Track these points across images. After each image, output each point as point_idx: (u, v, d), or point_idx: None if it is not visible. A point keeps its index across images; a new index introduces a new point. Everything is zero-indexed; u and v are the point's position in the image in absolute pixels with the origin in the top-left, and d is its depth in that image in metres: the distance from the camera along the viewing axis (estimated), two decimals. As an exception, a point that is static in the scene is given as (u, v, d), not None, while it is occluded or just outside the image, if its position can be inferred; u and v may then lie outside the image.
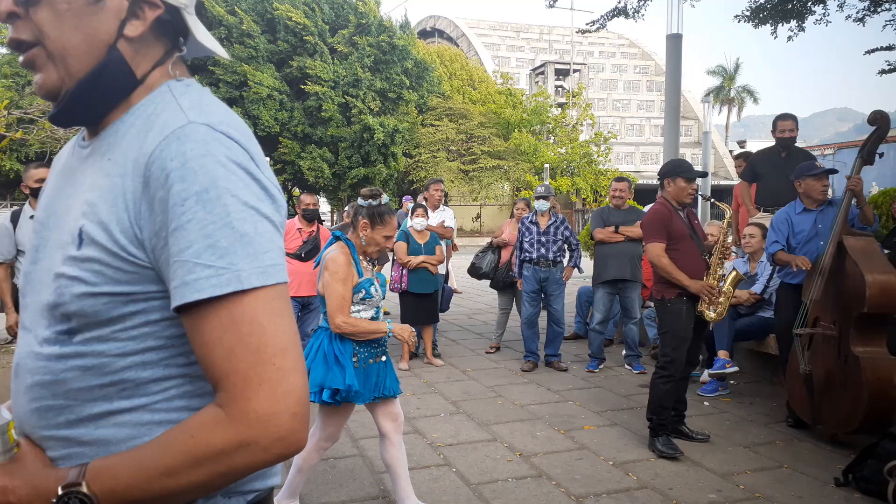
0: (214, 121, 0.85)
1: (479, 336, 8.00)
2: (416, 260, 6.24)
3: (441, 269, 6.68)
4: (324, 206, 34.22)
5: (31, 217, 4.37)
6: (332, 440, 3.19)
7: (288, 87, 24.51)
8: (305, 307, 5.61)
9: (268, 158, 20.56)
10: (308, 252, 5.54)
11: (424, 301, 6.35)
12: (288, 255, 5.57)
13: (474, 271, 7.16)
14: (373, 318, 3.11)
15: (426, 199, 7.13)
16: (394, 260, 6.56)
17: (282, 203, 0.89)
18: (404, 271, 6.27)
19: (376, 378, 3.10)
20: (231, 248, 0.79)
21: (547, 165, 28.92)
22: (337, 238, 3.10)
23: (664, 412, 4.16)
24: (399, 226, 7.16)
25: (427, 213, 6.50)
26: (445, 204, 8.78)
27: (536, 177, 29.57)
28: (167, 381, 0.87)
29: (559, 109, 35.28)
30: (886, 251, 5.70)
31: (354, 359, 3.00)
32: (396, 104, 26.94)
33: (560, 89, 41.68)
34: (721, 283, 4.13)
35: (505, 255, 7.02)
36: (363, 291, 3.00)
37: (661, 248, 4.16)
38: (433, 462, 3.94)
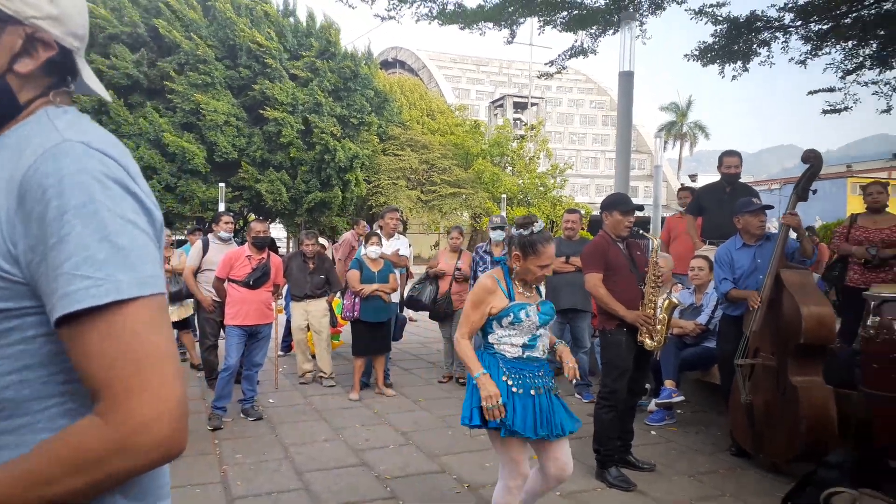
0: (90, 139, 0.87)
1: (432, 365, 7.97)
2: (368, 288, 6.21)
3: (395, 298, 6.66)
4: (281, 232, 33.82)
5: None
6: (519, 476, 3.00)
7: (246, 114, 24.32)
8: (253, 336, 5.50)
9: (224, 185, 20.23)
10: (257, 280, 5.45)
11: (377, 330, 6.31)
12: (236, 282, 5.48)
13: (413, 304, 7.03)
14: (527, 345, 3.01)
15: (381, 227, 7.12)
16: (346, 288, 6.51)
17: (158, 217, 0.93)
18: (357, 299, 6.23)
19: (538, 412, 2.95)
20: (109, 260, 0.81)
21: (504, 195, 29.25)
22: (497, 262, 3.18)
23: (609, 442, 4.19)
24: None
25: (381, 241, 6.49)
26: (402, 232, 8.80)
27: (496, 205, 29.87)
28: (48, 399, 0.88)
29: (517, 142, 35.88)
30: (829, 283, 5.93)
31: (508, 380, 2.95)
32: (358, 130, 26.97)
33: (518, 122, 42.40)
34: (657, 312, 4.21)
35: (443, 285, 6.94)
36: (511, 315, 2.96)
37: (598, 279, 4.25)
38: (379, 495, 3.89)
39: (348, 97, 26.21)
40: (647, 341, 4.20)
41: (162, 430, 0.81)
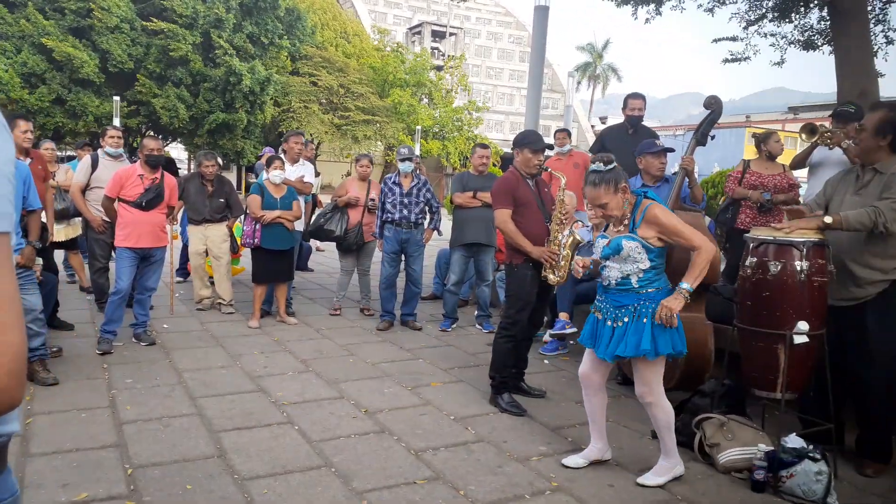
0: None
1: (336, 297, 7.91)
2: (270, 215, 6.03)
3: (299, 226, 6.51)
4: (181, 153, 32.20)
5: None
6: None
7: (144, 22, 22.54)
8: (146, 259, 5.26)
9: (119, 98, 18.85)
10: (150, 201, 5.17)
11: (278, 258, 6.17)
12: (127, 202, 5.18)
13: (324, 234, 6.73)
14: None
15: (285, 152, 6.86)
16: (247, 213, 6.29)
17: (4, 148, 0.83)
18: (257, 226, 6.04)
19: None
20: None
21: (419, 127, 28.95)
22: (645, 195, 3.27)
23: (505, 370, 4.35)
24: (256, 177, 6.86)
25: (284, 167, 6.28)
26: (314, 160, 8.54)
27: (409, 137, 29.56)
28: None
29: (436, 72, 35.33)
30: (720, 225, 6.25)
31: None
32: (266, 50, 25.66)
33: (436, 51, 41.61)
34: (561, 249, 4.32)
35: (354, 215, 6.72)
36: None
37: (506, 215, 4.32)
38: (275, 420, 3.89)
39: (258, 15, 24.78)
40: (551, 276, 4.32)
41: None
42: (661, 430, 3.29)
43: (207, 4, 22.88)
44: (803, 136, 4.83)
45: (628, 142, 6.14)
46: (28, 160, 5.05)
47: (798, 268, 3.39)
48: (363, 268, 7.01)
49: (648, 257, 3.19)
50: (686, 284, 3.08)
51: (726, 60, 10.01)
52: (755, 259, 3.55)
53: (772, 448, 3.30)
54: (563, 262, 4.33)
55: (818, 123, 4.90)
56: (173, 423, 3.77)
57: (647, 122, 6.68)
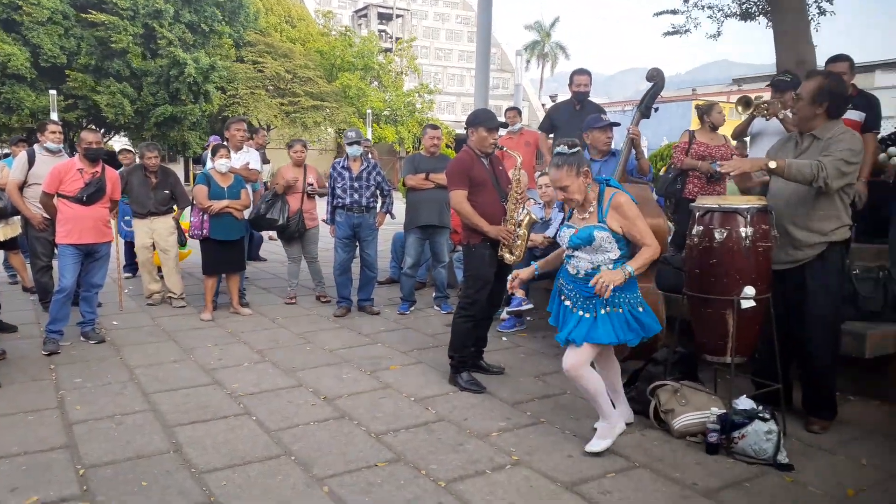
0: None
1: (289, 285, 7.82)
2: (218, 205, 5.89)
3: (247, 215, 6.38)
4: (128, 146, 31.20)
5: None
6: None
7: (75, 12, 21.66)
8: (90, 255, 5.09)
9: (55, 92, 18.14)
10: (91, 195, 4.99)
11: (229, 248, 6.05)
12: (67, 197, 4.99)
13: (265, 223, 6.53)
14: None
15: (227, 140, 6.69)
16: (193, 205, 6.14)
17: None
18: (205, 217, 5.90)
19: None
20: None
21: (370, 111, 28.67)
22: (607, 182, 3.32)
23: (465, 350, 4.37)
24: (203, 167, 6.68)
25: (230, 154, 6.14)
26: (262, 147, 8.35)
27: (361, 121, 29.24)
28: None
29: (384, 55, 34.98)
30: (669, 196, 6.35)
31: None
32: (208, 38, 24.97)
33: (383, 34, 41.18)
34: (517, 228, 4.34)
35: (293, 202, 6.59)
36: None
37: (462, 196, 4.29)
38: (231, 412, 3.83)
39: (196, 2, 24.07)
40: (507, 255, 4.34)
41: None
42: (593, 399, 3.33)
43: None
44: (739, 108, 4.93)
45: (576, 117, 6.19)
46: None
47: (743, 234, 3.47)
48: (310, 255, 6.91)
49: (618, 246, 3.22)
50: (630, 268, 3.14)
51: (667, 34, 10.12)
52: (701, 227, 3.63)
53: (724, 411, 3.39)
54: (519, 242, 4.36)
55: (754, 96, 5.01)
56: (126, 420, 3.67)
57: (594, 99, 6.73)
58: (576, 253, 3.30)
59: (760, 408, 3.34)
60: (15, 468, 3.07)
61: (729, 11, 9.03)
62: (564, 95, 7.05)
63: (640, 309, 3.28)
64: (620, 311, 3.21)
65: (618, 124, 5.02)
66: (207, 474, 3.04)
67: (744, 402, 3.39)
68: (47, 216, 5.45)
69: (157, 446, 3.34)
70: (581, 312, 3.26)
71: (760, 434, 3.22)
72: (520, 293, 5.56)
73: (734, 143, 5.85)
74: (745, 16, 8.85)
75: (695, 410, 3.53)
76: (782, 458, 3.19)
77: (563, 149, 3.20)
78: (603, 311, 3.20)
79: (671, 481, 3.04)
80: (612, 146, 5.01)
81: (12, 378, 4.33)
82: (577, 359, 3.25)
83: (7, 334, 5.36)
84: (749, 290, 3.44)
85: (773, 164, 3.39)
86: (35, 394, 4.07)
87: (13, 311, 6.00)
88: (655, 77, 4.55)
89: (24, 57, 20.43)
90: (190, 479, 2.99)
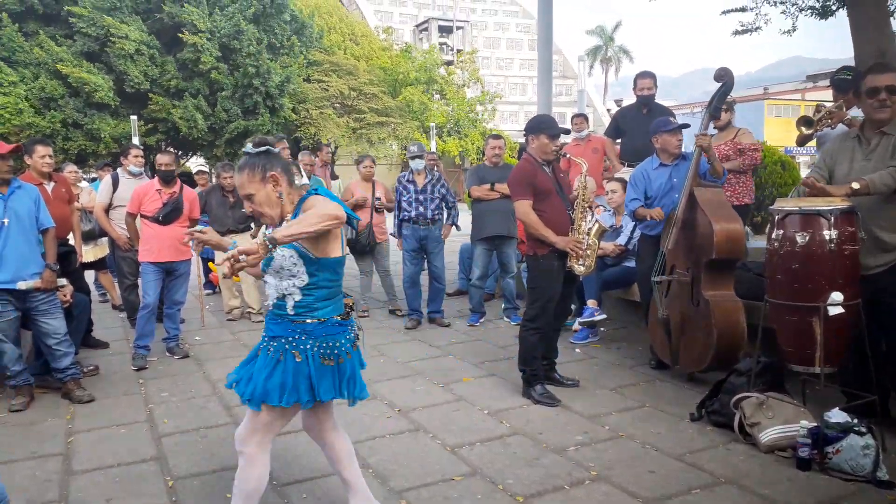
0: None
1: (362, 298, 7.94)
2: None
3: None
4: (204, 167, 32.51)
5: None
6: None
7: (157, 41, 22.80)
8: (170, 273, 5.32)
9: (136, 118, 19.08)
10: (167, 215, 5.24)
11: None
12: (146, 217, 5.25)
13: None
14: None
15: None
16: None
17: None
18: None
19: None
20: None
21: (433, 124, 28.94)
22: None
23: (535, 362, 4.31)
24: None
25: (302, 173, 6.30)
26: (332, 163, 8.56)
27: (424, 135, 29.55)
28: None
29: (446, 67, 35.29)
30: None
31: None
32: (278, 53, 25.80)
33: (444, 46, 41.57)
34: (586, 237, 4.27)
35: (363, 217, 6.66)
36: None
37: (527, 206, 4.22)
38: (310, 424, 3.90)
39: (266, 22, 24.95)
40: (577, 267, 4.26)
41: None
42: (242, 496, 2.52)
43: (226, 15, 23.03)
44: (803, 129, 4.70)
45: (643, 121, 6.07)
46: (52, 184, 5.14)
47: (826, 237, 3.31)
48: (382, 269, 7.00)
49: (307, 270, 2.35)
50: (271, 231, 2.26)
51: (736, 32, 9.82)
52: (781, 231, 3.47)
53: (815, 424, 3.23)
54: (589, 252, 4.27)
55: (813, 111, 4.74)
56: (210, 433, 3.80)
57: (662, 102, 6.60)
58: (266, 279, 2.46)
59: (855, 420, 3.16)
60: (109, 479, 3.22)
61: (804, 6, 8.69)
62: (630, 99, 6.93)
63: (329, 363, 2.42)
64: (299, 359, 2.38)
65: (687, 126, 4.90)
66: (289, 486, 3.11)
67: (836, 415, 3.22)
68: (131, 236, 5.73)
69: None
70: (262, 353, 2.47)
71: (857, 449, 3.05)
72: (592, 303, 5.48)
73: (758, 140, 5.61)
74: (824, 13, 8.50)
75: (783, 423, 3.38)
76: (882, 474, 3.01)
77: (248, 147, 2.48)
78: (277, 355, 2.39)
79: (760, 498, 2.92)
80: (682, 149, 4.88)
81: (106, 392, 4.55)
82: (267, 426, 2.50)
83: (99, 350, 5.65)
84: (836, 296, 3.27)
85: (856, 186, 3.23)
86: (126, 407, 4.27)
87: (104, 329, 6.32)
88: (724, 77, 4.41)
89: (108, 87, 21.59)
90: (271, 492, 3.06)
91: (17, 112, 20.15)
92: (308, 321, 2.39)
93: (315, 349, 2.39)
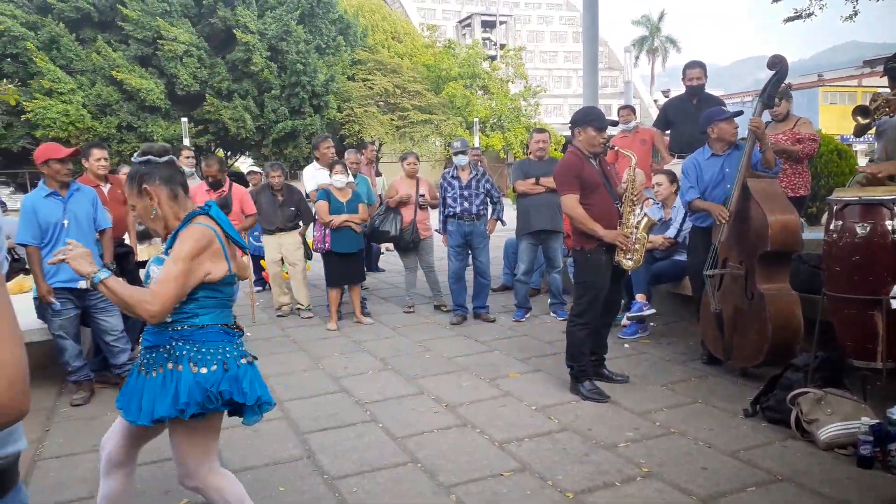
0: None
1: (407, 294, 7.99)
2: (338, 219, 6.13)
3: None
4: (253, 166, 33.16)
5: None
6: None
7: (206, 43, 23.37)
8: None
9: (186, 119, 19.63)
10: (219, 212, 5.38)
11: (349, 260, 6.27)
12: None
13: (380, 236, 6.77)
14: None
15: (317, 159, 6.91)
16: (316, 219, 6.42)
17: None
18: (327, 231, 6.16)
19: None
20: None
21: (477, 119, 28.87)
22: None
23: (582, 358, 4.26)
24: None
25: (347, 171, 6.37)
26: (376, 161, 8.63)
27: (468, 131, 29.50)
28: None
29: (489, 62, 35.15)
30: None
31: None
32: (324, 53, 26.16)
33: (487, 41, 41.43)
34: (634, 231, 4.20)
35: (406, 214, 6.72)
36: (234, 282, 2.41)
37: (574, 200, 4.16)
38: (359, 419, 3.95)
39: (312, 22, 25.33)
40: (625, 262, 4.20)
41: None
42: None
43: (274, 16, 23.46)
44: (859, 118, 4.51)
45: (692, 112, 5.94)
46: (108, 185, 5.31)
47: (889, 227, 3.19)
48: (426, 265, 7.01)
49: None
50: (104, 275, 2.13)
51: (789, 19, 9.51)
52: (840, 222, 3.37)
53: (877, 421, 3.11)
54: (637, 246, 4.20)
55: (869, 99, 4.55)
56: (262, 427, 3.87)
57: (710, 91, 6.43)
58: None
59: (921, 418, 3.04)
60: (167, 472, 3.31)
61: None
62: (677, 90, 6.78)
63: (202, 371, 2.21)
64: (181, 367, 2.21)
65: (741, 113, 4.77)
66: (339, 480, 3.15)
67: (901, 412, 3.10)
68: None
69: (291, 453, 3.50)
70: (144, 372, 2.27)
71: (922, 447, 2.93)
72: (641, 298, 5.39)
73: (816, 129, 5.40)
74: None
75: (842, 420, 3.26)
76: (950, 473, 2.89)
77: (134, 156, 2.37)
78: (180, 367, 2.21)
79: (819, 497, 2.83)
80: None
81: (161, 387, 4.68)
82: (193, 449, 2.33)
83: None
84: (901, 289, 3.14)
85: None
86: (181, 402, 4.39)
87: (159, 325, 6.50)
88: (778, 64, 4.26)
89: (160, 90, 22.25)
90: (323, 485, 3.10)
91: (78, 118, 20.95)
92: (187, 326, 2.25)
93: (192, 354, 2.22)
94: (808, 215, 7.41)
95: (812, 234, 5.31)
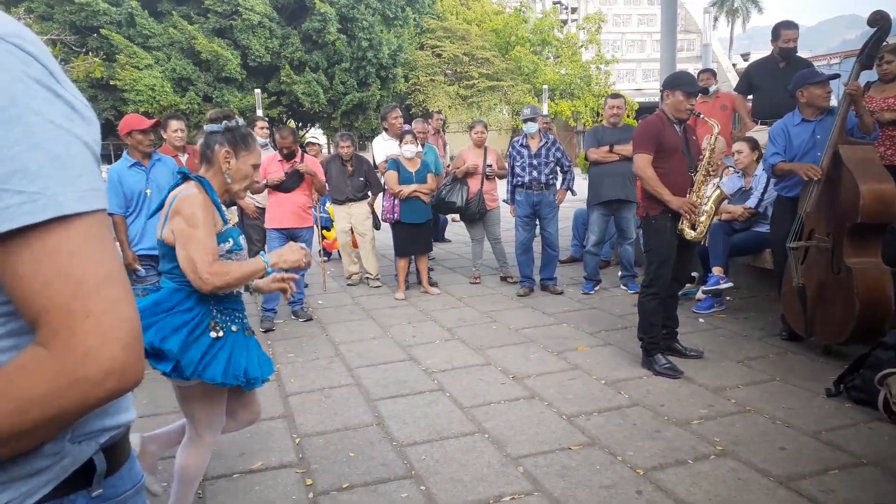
0: (4, 32, 0.74)
1: (473, 266, 7.97)
2: (407, 189, 6.14)
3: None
4: (322, 137, 33.71)
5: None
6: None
7: (278, 14, 23.68)
8: (294, 240, 5.54)
9: (260, 91, 19.97)
10: (288, 183, 5.48)
11: (417, 231, 6.28)
12: (271, 187, 5.51)
13: (446, 207, 6.72)
14: None
15: (385, 130, 6.90)
16: (385, 189, 6.45)
17: (93, 122, 0.80)
18: (396, 201, 6.18)
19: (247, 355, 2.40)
20: (43, 171, 0.71)
21: (546, 87, 28.26)
22: (185, 177, 2.37)
23: (654, 329, 4.17)
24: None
25: (416, 140, 6.34)
26: (443, 129, 8.55)
27: (536, 98, 28.94)
28: None
29: (561, 28, 34.24)
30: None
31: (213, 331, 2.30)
32: (392, 24, 26.09)
33: (559, 5, 40.37)
34: (704, 202, 4.05)
35: (473, 185, 6.66)
36: (231, 241, 2.35)
37: (647, 160, 4.07)
38: (427, 388, 3.98)
39: (381, -10, 25.24)
40: (688, 231, 4.08)
41: (112, 358, 0.73)
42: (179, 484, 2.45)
43: None
44: None
45: (780, 76, 5.61)
46: (185, 156, 5.47)
47: None
48: (493, 236, 6.94)
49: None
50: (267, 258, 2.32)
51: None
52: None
53: (977, 405, 2.91)
54: (703, 217, 4.07)
55: None
56: (333, 393, 3.97)
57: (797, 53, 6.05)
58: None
59: None
60: (242, 435, 3.42)
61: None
62: (758, 53, 6.40)
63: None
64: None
65: (837, 76, 4.46)
66: (408, 447, 3.19)
67: None
68: (260, 206, 6.03)
69: (361, 419, 3.57)
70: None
71: None
72: (718, 271, 5.20)
73: None
74: None
75: (938, 404, 3.07)
76: None
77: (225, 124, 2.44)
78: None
79: (910, 484, 2.67)
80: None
81: (237, 352, 4.85)
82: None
83: (231, 312, 6.02)
84: None
85: None
86: (256, 366, 4.53)
87: (235, 292, 6.72)
88: (880, 21, 3.94)
89: (237, 61, 22.76)
90: (392, 452, 3.15)
91: (162, 93, 21.73)
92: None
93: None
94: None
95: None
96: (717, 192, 4.12)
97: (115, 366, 0.73)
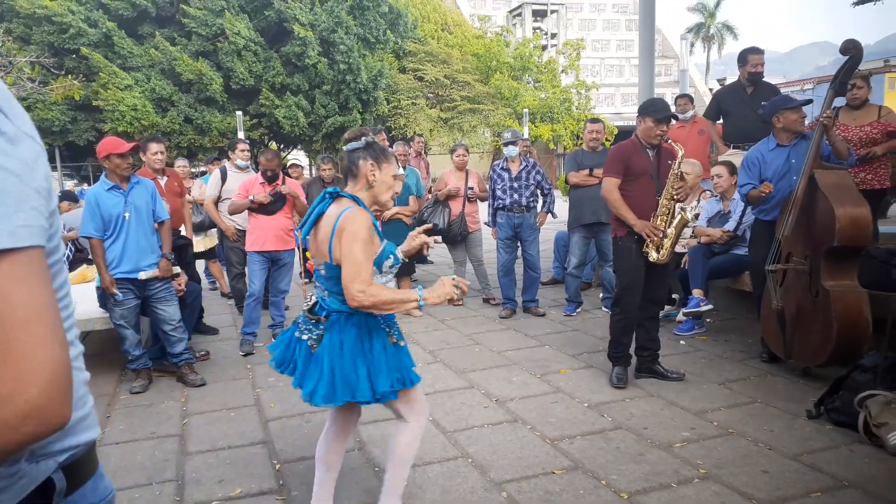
0: None
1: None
2: (388, 212, 6.14)
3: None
4: (304, 159, 33.63)
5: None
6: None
7: (262, 38, 23.74)
8: (275, 262, 5.52)
9: (241, 113, 19.94)
10: (271, 205, 5.43)
11: (400, 252, 6.26)
12: (252, 210, 5.46)
13: (428, 230, 6.80)
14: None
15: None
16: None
17: (32, 155, 0.78)
18: (377, 223, 6.16)
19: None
20: None
21: (526, 110, 28.57)
22: (338, 196, 2.43)
23: (619, 346, 4.32)
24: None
25: (398, 163, 6.36)
26: (424, 153, 8.60)
27: (517, 121, 29.21)
28: None
29: (541, 53, 34.73)
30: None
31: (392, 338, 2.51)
32: (374, 48, 26.24)
33: (538, 30, 40.96)
34: (666, 226, 4.12)
35: (455, 207, 6.70)
36: (391, 258, 2.45)
37: (614, 184, 4.18)
38: (409, 412, 3.93)
39: (362, 15, 25.42)
40: (652, 253, 4.14)
41: (27, 402, 0.70)
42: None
43: (325, 8, 23.65)
44: None
45: (748, 101, 5.73)
46: (164, 178, 5.43)
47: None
48: (475, 258, 6.95)
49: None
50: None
51: (858, 2, 9.04)
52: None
53: (954, 427, 2.95)
54: (666, 241, 4.13)
55: None
56: (314, 418, 3.91)
57: (769, 79, 6.19)
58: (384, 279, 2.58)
59: None
60: (221, 461, 3.37)
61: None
62: (734, 78, 6.53)
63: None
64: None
65: (810, 101, 4.56)
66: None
67: (981, 418, 2.92)
68: (240, 228, 5.98)
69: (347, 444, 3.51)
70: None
71: None
72: (698, 293, 5.24)
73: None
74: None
75: (916, 425, 3.10)
76: None
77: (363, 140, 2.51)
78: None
79: (891, 506, 2.69)
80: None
81: (216, 377, 4.78)
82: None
83: (210, 336, 5.95)
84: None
85: None
86: (235, 392, 4.47)
87: (214, 315, 6.65)
88: (852, 49, 4.05)
89: (219, 83, 22.71)
90: (374, 478, 3.11)
91: (144, 113, 21.60)
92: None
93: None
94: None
95: (884, 228, 5.07)
96: (680, 216, 4.17)
97: (30, 409, 0.71)
